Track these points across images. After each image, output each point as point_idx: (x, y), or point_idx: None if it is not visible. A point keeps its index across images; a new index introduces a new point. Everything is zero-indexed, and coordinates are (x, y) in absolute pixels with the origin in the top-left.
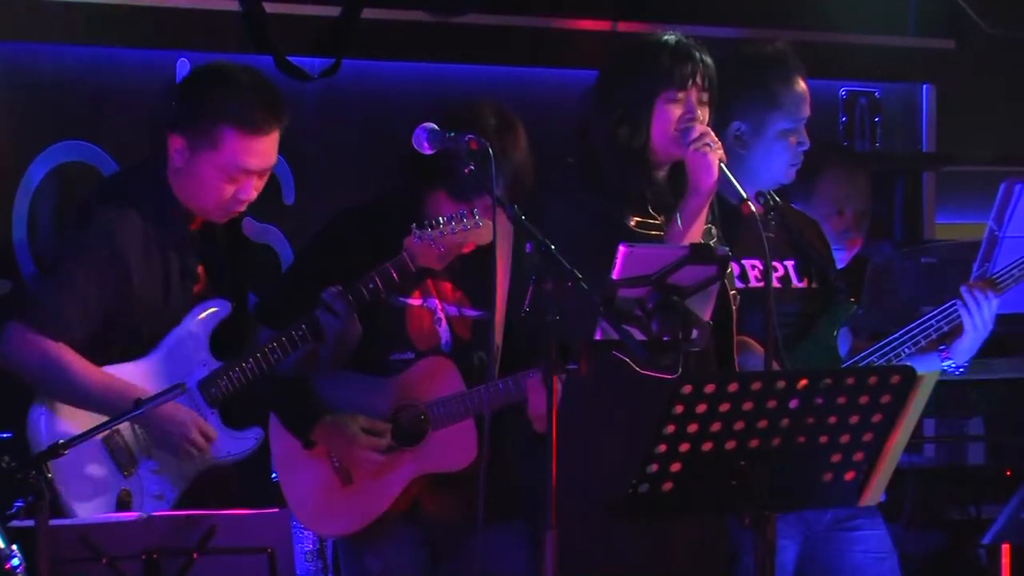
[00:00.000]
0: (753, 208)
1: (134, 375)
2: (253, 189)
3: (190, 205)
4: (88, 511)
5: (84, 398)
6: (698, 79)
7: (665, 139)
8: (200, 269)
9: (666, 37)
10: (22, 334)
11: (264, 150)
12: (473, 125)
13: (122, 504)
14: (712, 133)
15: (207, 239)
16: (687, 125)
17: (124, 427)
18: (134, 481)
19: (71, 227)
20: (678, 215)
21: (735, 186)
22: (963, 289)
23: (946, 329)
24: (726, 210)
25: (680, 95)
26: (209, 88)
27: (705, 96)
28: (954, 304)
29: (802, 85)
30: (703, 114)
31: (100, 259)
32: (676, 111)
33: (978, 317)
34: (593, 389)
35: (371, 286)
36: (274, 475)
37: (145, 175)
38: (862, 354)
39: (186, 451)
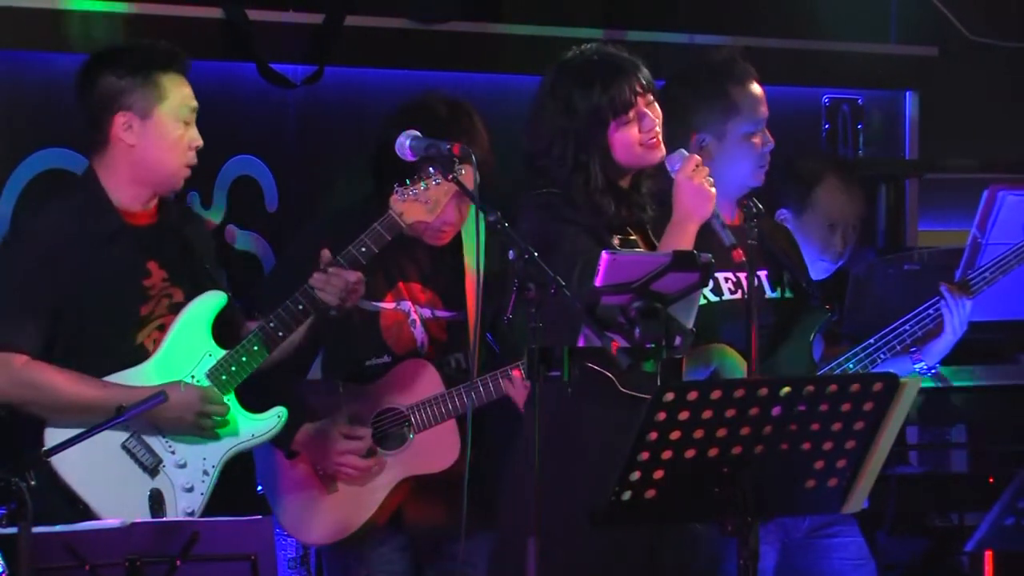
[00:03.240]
0: (743, 255)
1: (140, 379)
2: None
3: (149, 181)
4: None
5: (69, 408)
6: (638, 89)
7: (631, 159)
8: (151, 264)
9: (592, 59)
10: None
11: (191, 89)
12: (423, 118)
13: (155, 503)
14: (704, 165)
15: (155, 235)
16: (654, 144)
17: (143, 427)
18: (162, 479)
19: (2, 242)
20: (666, 240)
21: (724, 229)
22: (943, 288)
23: (920, 334)
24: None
25: (631, 114)
26: (128, 55)
27: (650, 97)
28: (928, 308)
29: (756, 87)
30: (654, 114)
31: (33, 260)
32: (633, 134)
33: (956, 318)
34: (576, 398)
35: (363, 249)
36: (259, 487)
37: (77, 181)
38: (837, 360)
39: (203, 427)
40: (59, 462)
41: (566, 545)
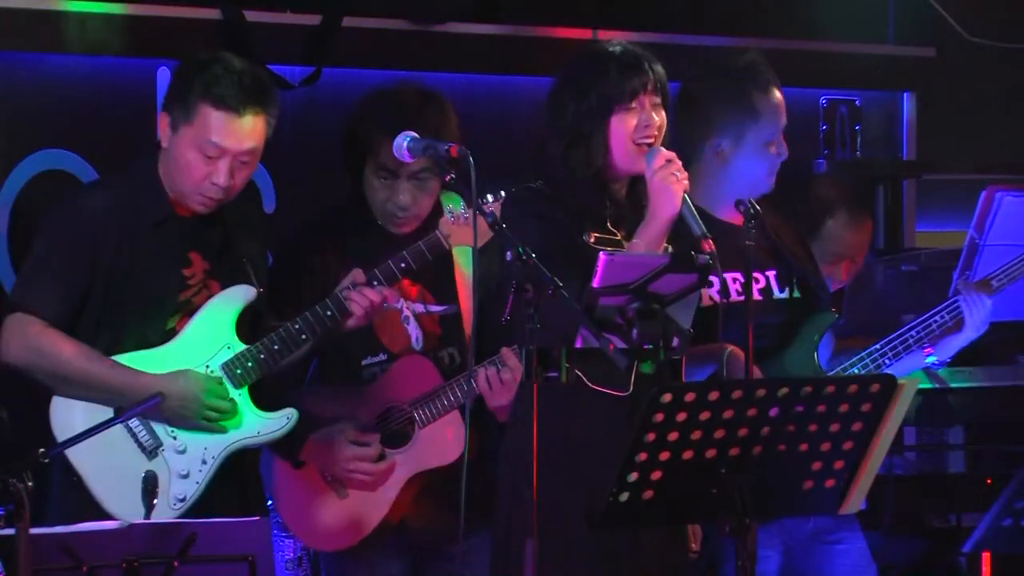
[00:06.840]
0: (712, 246)
1: (154, 362)
2: (228, 174)
3: (172, 188)
4: (115, 497)
5: (73, 380)
6: (648, 88)
7: (623, 155)
8: (194, 255)
9: (611, 49)
10: (10, 322)
11: (238, 130)
12: (392, 105)
13: (148, 485)
14: (678, 160)
15: (202, 228)
16: (650, 146)
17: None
18: (159, 462)
19: (47, 213)
20: (637, 239)
21: (695, 220)
22: (962, 286)
23: (927, 339)
24: (708, 223)
25: (633, 105)
26: (195, 68)
27: (658, 99)
28: (936, 314)
29: (778, 94)
30: (658, 118)
31: (68, 235)
32: (630, 124)
33: (978, 315)
34: (545, 395)
35: (403, 265)
36: (269, 501)
37: (136, 165)
38: (856, 357)
39: (208, 419)
40: (60, 435)
41: (555, 539)
